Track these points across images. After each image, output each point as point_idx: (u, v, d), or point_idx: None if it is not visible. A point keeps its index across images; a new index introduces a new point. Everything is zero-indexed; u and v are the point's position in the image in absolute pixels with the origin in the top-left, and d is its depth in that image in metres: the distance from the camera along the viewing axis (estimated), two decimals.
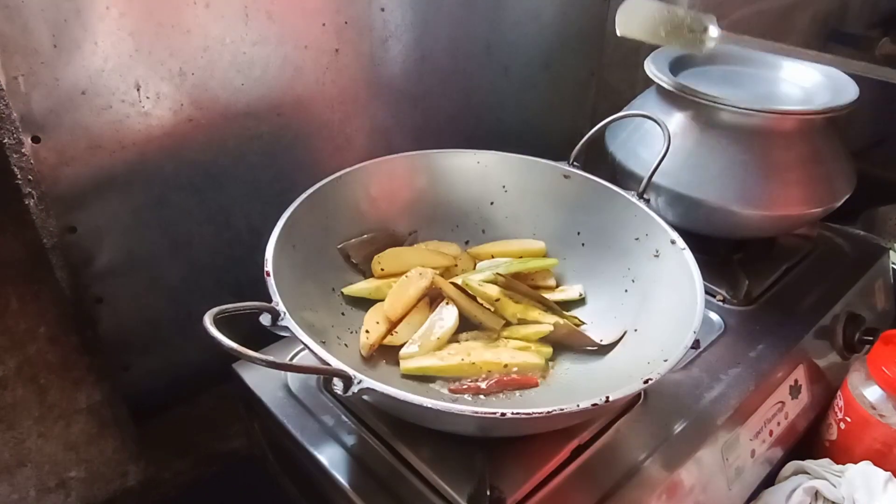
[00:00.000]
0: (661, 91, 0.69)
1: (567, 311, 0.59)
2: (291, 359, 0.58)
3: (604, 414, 0.53)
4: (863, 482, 0.58)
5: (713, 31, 0.60)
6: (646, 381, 0.41)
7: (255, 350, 0.37)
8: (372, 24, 0.66)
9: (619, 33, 0.65)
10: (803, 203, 0.65)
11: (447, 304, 0.57)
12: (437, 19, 0.72)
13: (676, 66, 0.72)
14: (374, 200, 0.62)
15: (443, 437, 0.48)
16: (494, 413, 0.38)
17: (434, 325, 0.55)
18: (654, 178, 0.60)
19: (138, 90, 0.54)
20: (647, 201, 0.59)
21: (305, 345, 0.42)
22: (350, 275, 0.60)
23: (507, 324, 0.57)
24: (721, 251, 0.72)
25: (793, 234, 0.78)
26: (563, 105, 0.94)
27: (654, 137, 0.67)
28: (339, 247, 0.59)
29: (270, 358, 0.37)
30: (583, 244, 0.63)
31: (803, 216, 0.66)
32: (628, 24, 0.64)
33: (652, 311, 0.54)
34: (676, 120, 0.67)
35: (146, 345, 0.65)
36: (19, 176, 0.48)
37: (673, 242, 0.55)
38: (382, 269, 0.59)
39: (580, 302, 0.61)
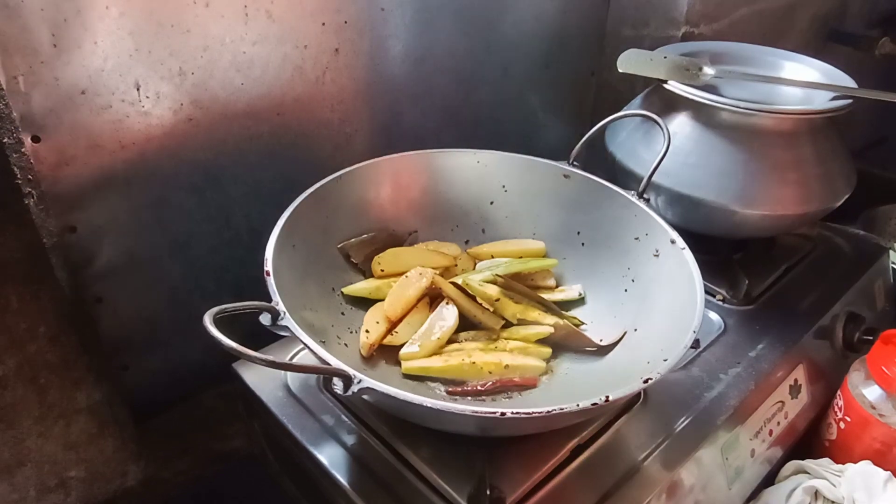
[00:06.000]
0: (661, 91, 0.69)
1: (567, 311, 0.59)
2: (291, 358, 0.58)
3: (604, 414, 0.53)
4: (862, 482, 0.58)
5: (708, 70, 0.68)
6: (645, 381, 0.41)
7: (255, 350, 0.37)
8: (372, 24, 0.66)
9: (620, 70, 0.68)
10: (803, 203, 0.65)
11: (447, 304, 0.57)
12: (437, 19, 0.72)
13: None
14: (374, 200, 0.62)
15: (443, 437, 0.48)
16: (494, 413, 0.38)
17: (434, 325, 0.55)
18: (654, 178, 0.60)
19: (138, 90, 0.54)
20: (647, 201, 0.59)
21: (305, 344, 0.42)
22: (350, 275, 0.60)
23: (507, 324, 0.57)
24: (721, 251, 0.72)
25: (793, 234, 0.78)
26: (563, 105, 0.94)
27: (654, 137, 0.67)
28: (339, 246, 0.59)
29: (270, 357, 0.37)
30: (582, 244, 0.63)
31: (803, 216, 0.66)
32: (629, 65, 0.70)
33: (652, 311, 0.54)
34: (676, 120, 0.67)
35: (146, 345, 0.65)
36: (19, 176, 0.48)
37: (673, 242, 0.55)
38: (382, 270, 0.59)
39: (580, 302, 0.61)
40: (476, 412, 0.38)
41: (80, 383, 0.55)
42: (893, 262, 0.80)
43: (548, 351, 0.55)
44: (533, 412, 0.38)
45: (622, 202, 0.60)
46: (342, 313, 0.57)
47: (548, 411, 0.38)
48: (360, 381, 0.39)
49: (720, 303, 0.68)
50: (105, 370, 0.56)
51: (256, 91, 0.61)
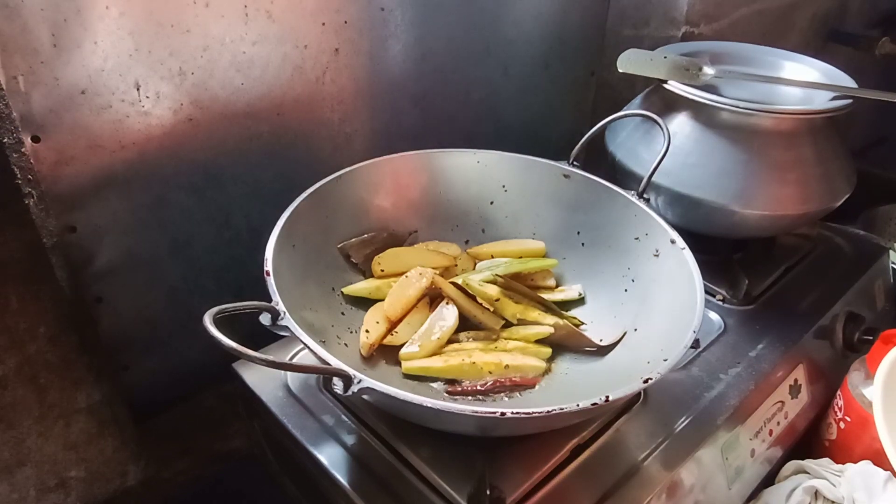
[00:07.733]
0: (661, 91, 0.69)
1: (567, 311, 0.59)
2: (291, 358, 0.58)
3: (604, 413, 0.53)
4: (862, 482, 0.58)
5: (707, 70, 0.68)
6: (645, 381, 0.41)
7: (255, 350, 0.37)
8: (372, 24, 0.66)
9: (620, 70, 0.68)
10: (803, 203, 0.65)
11: (447, 304, 0.57)
12: (437, 19, 0.72)
13: None
14: (374, 200, 0.62)
15: (443, 437, 0.48)
16: (494, 413, 0.38)
17: (434, 325, 0.55)
18: (654, 178, 0.60)
19: (138, 90, 0.54)
20: (647, 201, 0.59)
21: (305, 344, 0.42)
22: (350, 274, 0.60)
23: (507, 324, 0.57)
24: (721, 251, 0.72)
25: (793, 234, 0.78)
26: (563, 105, 0.94)
27: (654, 137, 0.67)
28: (339, 246, 0.59)
29: (270, 357, 0.37)
30: (582, 244, 0.63)
31: (803, 216, 0.66)
32: (629, 65, 0.70)
33: (652, 311, 0.54)
34: (676, 120, 0.67)
35: (146, 345, 0.65)
36: (19, 175, 0.48)
37: (673, 242, 0.55)
38: (382, 270, 0.59)
39: (580, 302, 0.61)
40: (476, 412, 0.38)
41: (80, 383, 0.55)
42: (893, 262, 0.80)
43: (548, 351, 0.55)
44: (533, 412, 0.38)
45: (622, 202, 0.60)
46: (342, 313, 0.57)
47: (548, 411, 0.38)
48: (360, 381, 0.39)
49: (720, 303, 0.68)
50: (105, 370, 0.56)
51: (256, 91, 0.61)
